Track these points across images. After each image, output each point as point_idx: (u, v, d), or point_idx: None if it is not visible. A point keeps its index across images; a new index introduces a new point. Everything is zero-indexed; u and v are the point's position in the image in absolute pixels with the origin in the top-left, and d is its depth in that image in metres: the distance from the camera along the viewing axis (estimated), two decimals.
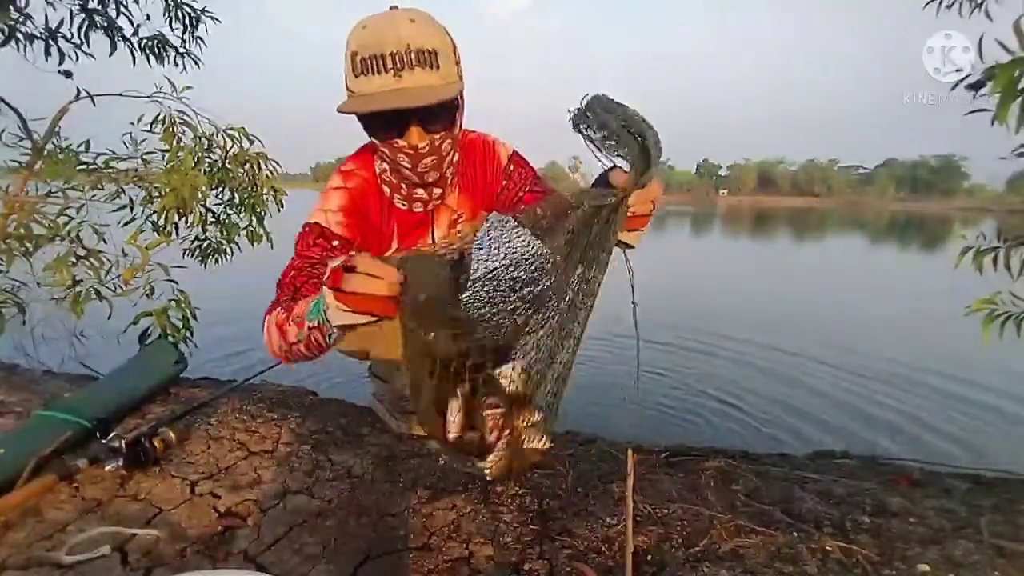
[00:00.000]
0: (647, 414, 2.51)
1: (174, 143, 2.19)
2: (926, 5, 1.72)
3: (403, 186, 1.12)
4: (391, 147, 0.99)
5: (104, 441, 1.08)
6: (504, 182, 1.17)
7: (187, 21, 2.56)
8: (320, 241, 1.09)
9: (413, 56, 0.88)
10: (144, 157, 2.16)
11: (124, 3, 2.42)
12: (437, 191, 1.13)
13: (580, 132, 0.72)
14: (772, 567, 0.87)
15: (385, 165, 1.12)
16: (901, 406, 2.77)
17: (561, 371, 0.67)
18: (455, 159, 1.12)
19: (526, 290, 0.65)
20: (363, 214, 1.14)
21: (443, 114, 0.96)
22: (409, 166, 1.02)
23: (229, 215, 2.47)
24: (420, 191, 1.12)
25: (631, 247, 0.80)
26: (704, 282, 7.28)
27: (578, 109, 0.72)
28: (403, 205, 1.17)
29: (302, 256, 1.07)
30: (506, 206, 1.17)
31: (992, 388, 3.01)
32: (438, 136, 0.98)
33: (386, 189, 1.16)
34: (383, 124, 0.97)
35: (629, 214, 0.69)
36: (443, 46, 0.92)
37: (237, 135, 2.35)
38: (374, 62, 0.88)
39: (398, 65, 0.88)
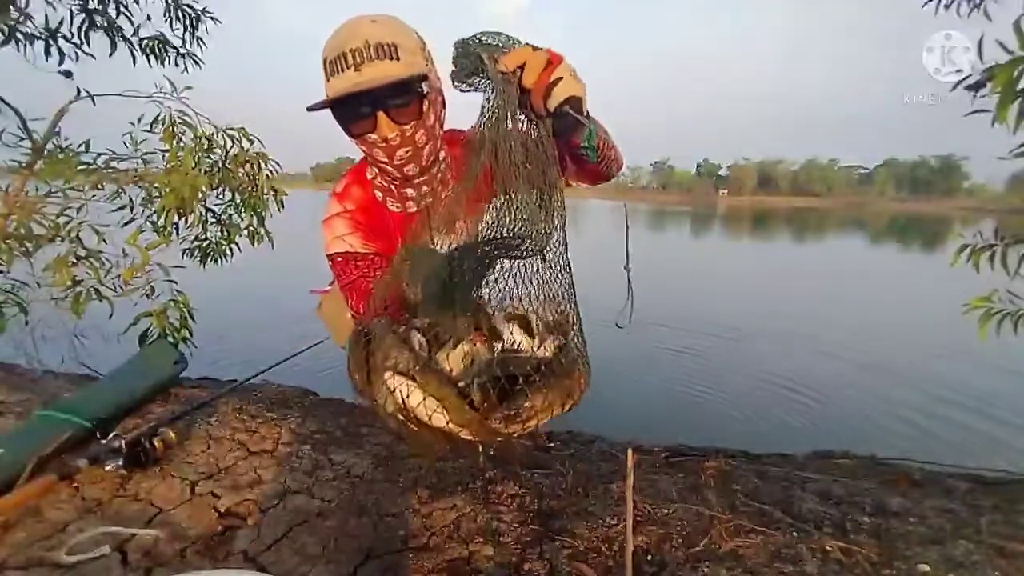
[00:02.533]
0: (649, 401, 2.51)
1: (174, 143, 2.18)
2: (925, 4, 1.72)
3: (392, 187, 1.17)
4: (366, 143, 1.05)
5: (104, 441, 1.08)
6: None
7: (187, 21, 2.56)
8: (359, 263, 1.16)
9: (372, 50, 0.95)
10: (144, 157, 2.16)
11: (124, 3, 2.42)
12: (425, 188, 1.16)
13: (461, 85, 0.74)
14: (772, 567, 0.87)
15: (375, 171, 1.17)
16: (901, 406, 2.77)
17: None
18: (442, 155, 1.15)
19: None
20: (370, 225, 1.19)
21: (408, 102, 1.01)
22: (386, 159, 1.07)
23: (230, 215, 2.47)
24: (409, 189, 1.17)
25: (576, 99, 0.72)
26: (703, 280, 7.29)
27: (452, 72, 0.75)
28: (396, 207, 1.21)
29: (360, 280, 1.16)
30: None
31: (992, 388, 3.01)
32: (409, 127, 1.02)
33: (378, 194, 1.20)
34: (353, 119, 1.02)
35: (525, 86, 0.68)
36: (405, 40, 0.98)
37: (237, 135, 2.35)
38: (339, 62, 0.95)
39: (358, 60, 0.95)
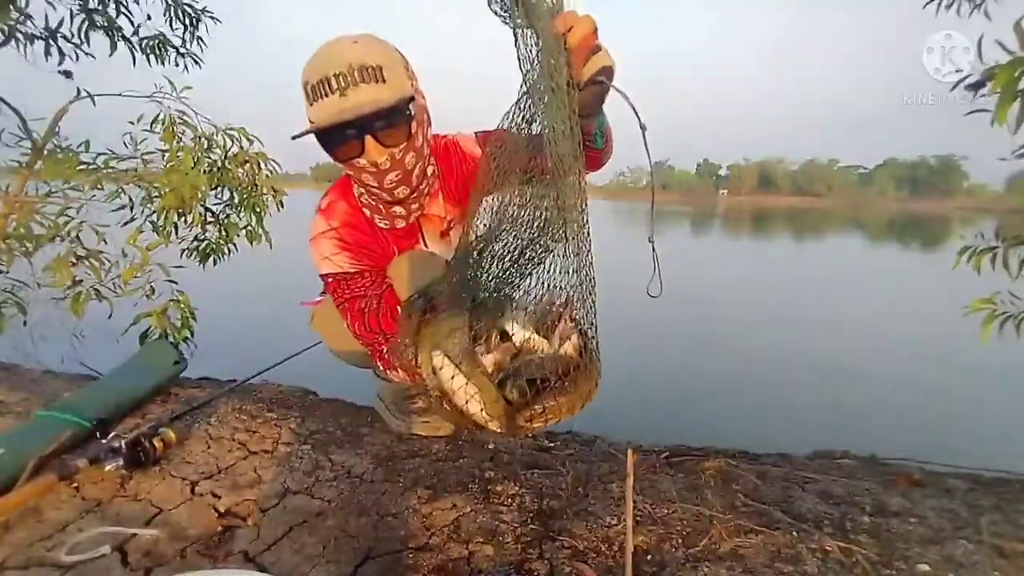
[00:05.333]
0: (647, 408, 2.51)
1: (174, 143, 2.18)
2: (926, 5, 1.72)
3: (380, 207, 1.14)
4: (354, 168, 1.00)
5: (104, 441, 1.08)
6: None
7: (187, 21, 2.56)
8: (348, 283, 1.16)
9: (357, 74, 0.90)
10: (144, 157, 2.16)
11: (124, 3, 2.42)
12: (414, 206, 1.14)
13: (494, 11, 0.72)
14: (772, 567, 0.87)
15: (362, 190, 1.14)
16: (901, 406, 2.77)
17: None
18: (430, 171, 1.12)
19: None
20: (358, 242, 1.18)
21: (397, 126, 0.96)
22: (375, 184, 1.02)
23: (228, 215, 2.47)
24: (397, 208, 1.14)
25: (610, 71, 0.69)
26: (703, 280, 7.28)
27: None
28: (384, 224, 1.19)
29: (352, 300, 1.16)
30: None
31: (992, 388, 3.01)
32: (398, 149, 0.98)
33: (366, 212, 1.18)
34: (339, 144, 0.98)
35: (570, 45, 0.65)
36: (389, 61, 0.93)
37: (237, 135, 2.35)
38: (322, 86, 0.90)
39: (343, 84, 0.90)
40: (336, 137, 0.97)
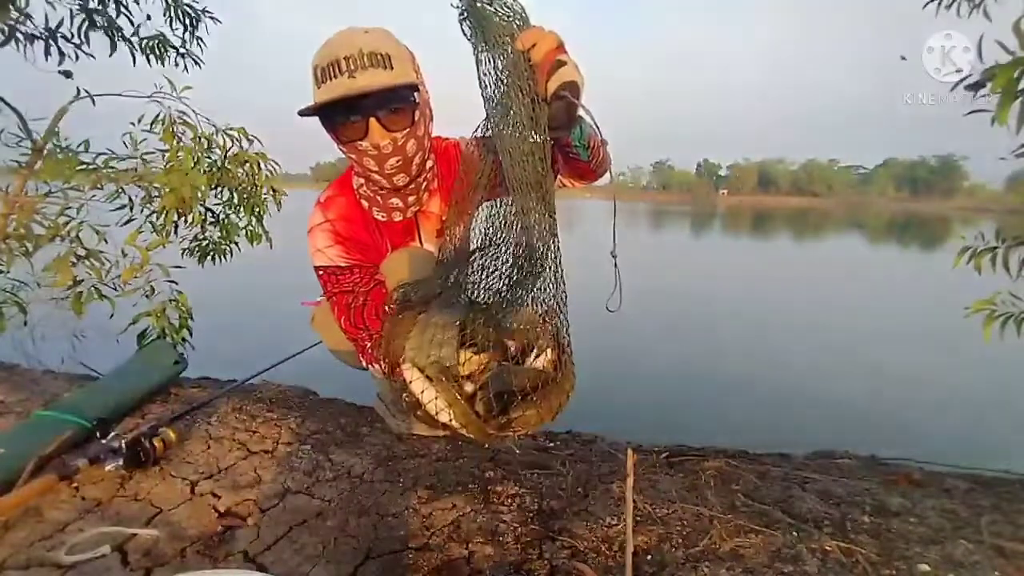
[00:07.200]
0: (647, 408, 2.51)
1: (174, 143, 2.19)
2: (926, 5, 1.72)
3: (378, 197, 1.15)
4: (356, 150, 1.03)
5: (104, 441, 1.08)
6: None
7: (187, 21, 2.56)
8: (339, 277, 1.17)
9: (366, 58, 0.94)
10: (144, 157, 2.16)
11: (124, 3, 2.42)
12: (412, 198, 1.15)
13: (464, 32, 0.74)
14: (772, 567, 0.87)
15: (361, 180, 1.16)
16: (902, 406, 2.77)
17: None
18: (428, 165, 1.14)
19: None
20: (352, 236, 1.19)
21: (401, 111, 1.00)
22: (376, 168, 1.05)
23: (228, 215, 2.47)
24: (395, 200, 1.15)
25: (574, 85, 0.69)
26: (703, 280, 7.28)
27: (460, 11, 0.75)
28: (382, 216, 1.20)
29: (340, 295, 1.17)
30: None
31: (992, 388, 3.01)
32: (400, 135, 1.01)
33: (364, 203, 1.19)
34: (343, 125, 1.00)
35: (534, 62, 0.67)
36: (398, 53, 0.97)
37: (237, 135, 2.35)
38: (331, 68, 0.94)
39: (352, 67, 0.93)
40: (341, 118, 1.00)
